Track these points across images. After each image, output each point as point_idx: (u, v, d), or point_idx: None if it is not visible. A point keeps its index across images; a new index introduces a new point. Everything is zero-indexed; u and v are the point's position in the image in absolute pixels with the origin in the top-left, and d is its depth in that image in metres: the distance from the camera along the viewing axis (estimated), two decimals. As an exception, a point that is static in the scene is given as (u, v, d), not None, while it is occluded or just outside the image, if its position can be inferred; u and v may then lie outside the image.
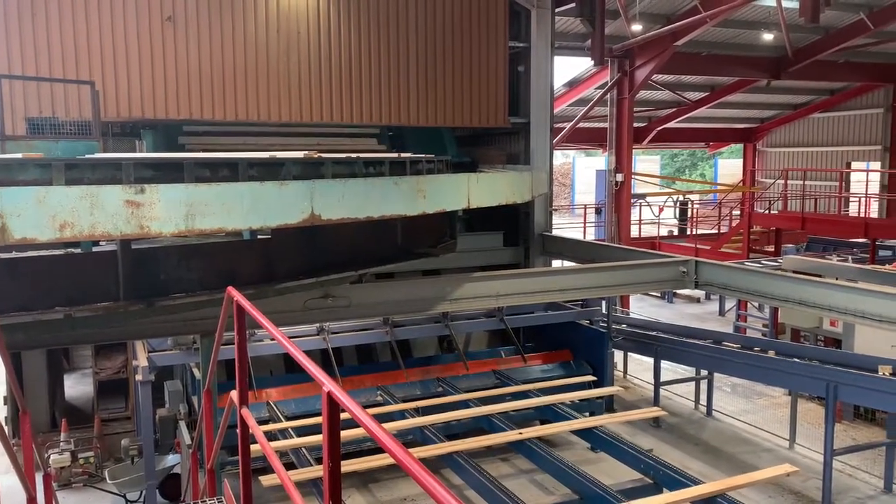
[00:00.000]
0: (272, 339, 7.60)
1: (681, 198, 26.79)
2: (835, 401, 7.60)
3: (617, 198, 17.60)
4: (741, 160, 31.75)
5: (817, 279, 7.51)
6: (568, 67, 21.42)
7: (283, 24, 8.70)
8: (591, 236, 23.12)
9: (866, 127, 24.91)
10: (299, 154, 5.38)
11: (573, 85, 21.51)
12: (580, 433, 7.74)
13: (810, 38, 18.89)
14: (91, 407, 10.18)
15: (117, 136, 8.94)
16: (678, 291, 18.89)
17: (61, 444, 8.44)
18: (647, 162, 41.78)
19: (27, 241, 3.91)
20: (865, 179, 22.66)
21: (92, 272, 5.06)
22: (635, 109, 18.65)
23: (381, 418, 7.41)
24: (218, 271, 5.46)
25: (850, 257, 13.69)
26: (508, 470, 7.97)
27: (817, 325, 11.11)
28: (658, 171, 42.05)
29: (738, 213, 25.90)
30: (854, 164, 25.53)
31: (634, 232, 20.31)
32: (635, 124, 19.92)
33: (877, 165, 24.36)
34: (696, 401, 10.32)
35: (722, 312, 17.69)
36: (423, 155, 6.53)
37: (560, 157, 41.68)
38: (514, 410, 8.12)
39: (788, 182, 22.53)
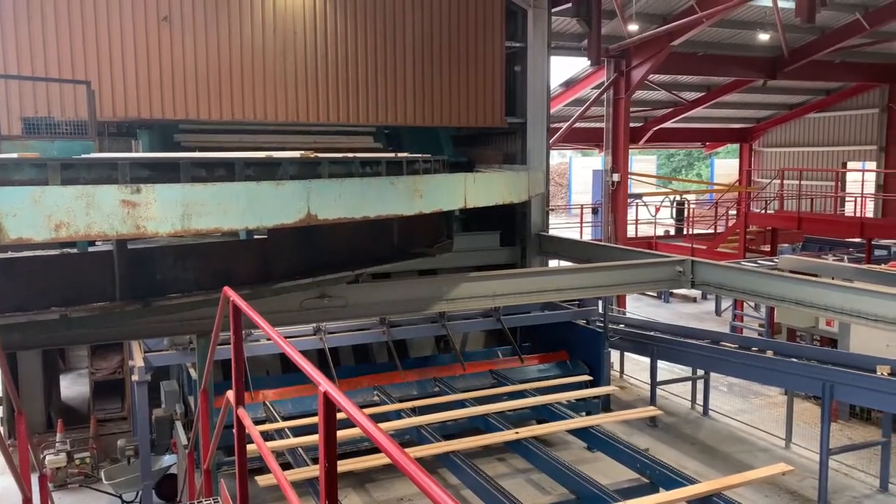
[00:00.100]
0: (268, 340, 7.59)
1: (678, 198, 26.82)
2: (831, 400, 7.61)
3: (613, 198, 17.60)
4: (737, 160, 31.80)
5: (813, 279, 7.52)
6: (564, 67, 21.39)
7: (279, 24, 8.69)
8: (587, 236, 23.12)
9: (862, 127, 24.96)
10: (296, 154, 5.37)
11: (570, 85, 21.52)
12: (577, 433, 7.74)
13: (806, 38, 18.93)
14: (87, 407, 10.16)
15: (113, 136, 8.92)
16: (674, 291, 18.91)
17: (57, 444, 8.40)
18: (643, 162, 41.83)
19: (23, 241, 3.90)
20: (861, 179, 22.70)
21: (88, 272, 5.05)
22: (632, 109, 18.68)
23: (377, 418, 7.41)
24: (214, 271, 5.46)
25: (845, 257, 13.71)
26: (505, 470, 7.97)
27: (813, 324, 11.13)
28: (654, 171, 42.10)
29: (735, 212, 25.94)
30: (850, 164, 25.59)
31: (631, 232, 20.32)
32: (632, 124, 19.96)
33: (872, 165, 24.41)
34: (693, 400, 10.33)
35: (718, 312, 17.72)
36: (420, 155, 6.53)
37: (557, 157, 41.72)
38: (510, 410, 8.13)
39: (784, 182, 22.57)
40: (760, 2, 15.98)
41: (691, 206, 25.31)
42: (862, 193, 21.90)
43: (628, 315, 13.95)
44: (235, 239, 5.53)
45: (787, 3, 15.28)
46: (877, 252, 15.77)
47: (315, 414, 6.75)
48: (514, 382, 8.76)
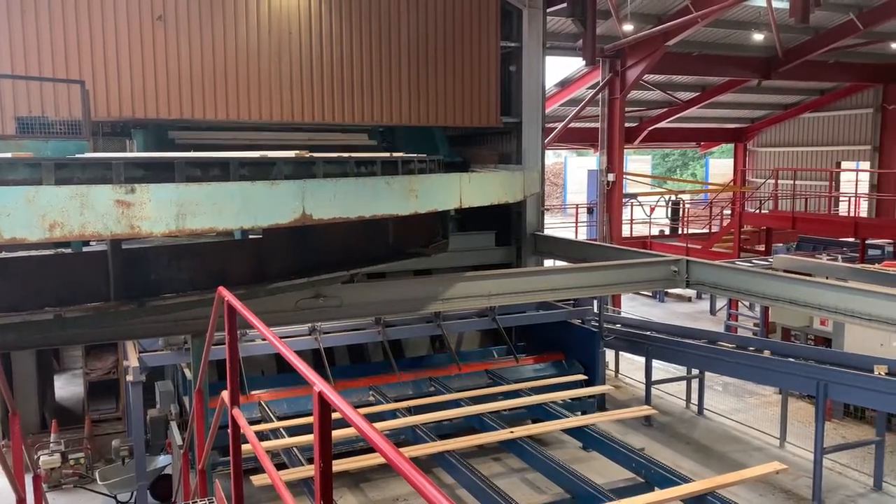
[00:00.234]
0: (264, 340, 7.58)
1: (673, 197, 26.88)
2: (825, 399, 7.64)
3: (608, 197, 17.65)
4: (732, 160, 31.89)
5: (808, 278, 7.55)
6: (560, 67, 21.54)
7: (274, 24, 8.68)
8: (582, 236, 23.15)
9: (856, 127, 25.06)
10: (290, 154, 5.37)
11: (565, 85, 21.55)
12: (572, 432, 7.75)
13: (800, 39, 19.00)
14: (81, 408, 10.13)
15: (107, 135, 8.90)
16: (669, 291, 18.95)
17: (51, 445, 8.39)
18: (638, 162, 41.91)
19: (16, 241, 3.89)
20: (855, 179, 22.79)
21: (82, 272, 5.05)
22: (626, 109, 18.71)
23: (372, 418, 7.41)
24: (209, 271, 5.45)
25: (839, 256, 13.76)
26: (500, 469, 7.97)
27: (808, 324, 11.17)
28: (649, 171, 42.19)
29: (729, 212, 26.00)
30: (844, 164, 25.68)
31: (626, 231, 20.36)
32: (627, 124, 19.97)
33: (866, 165, 24.51)
34: (688, 400, 10.35)
35: (713, 311, 17.76)
36: (415, 154, 6.53)
37: (552, 157, 41.76)
38: (505, 410, 8.13)
39: (779, 182, 22.64)
40: (755, 2, 16.03)
41: (686, 205, 25.36)
42: (856, 193, 21.99)
43: (623, 314, 13.98)
44: (230, 239, 5.52)
45: (781, 3, 15.33)
46: (870, 252, 15.85)
47: (310, 414, 6.75)
48: (510, 382, 8.77)
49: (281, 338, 3.16)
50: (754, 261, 14.04)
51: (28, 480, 6.08)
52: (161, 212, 4.22)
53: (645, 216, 22.78)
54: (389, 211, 5.50)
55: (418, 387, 8.69)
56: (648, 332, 10.24)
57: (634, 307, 17.68)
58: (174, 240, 5.25)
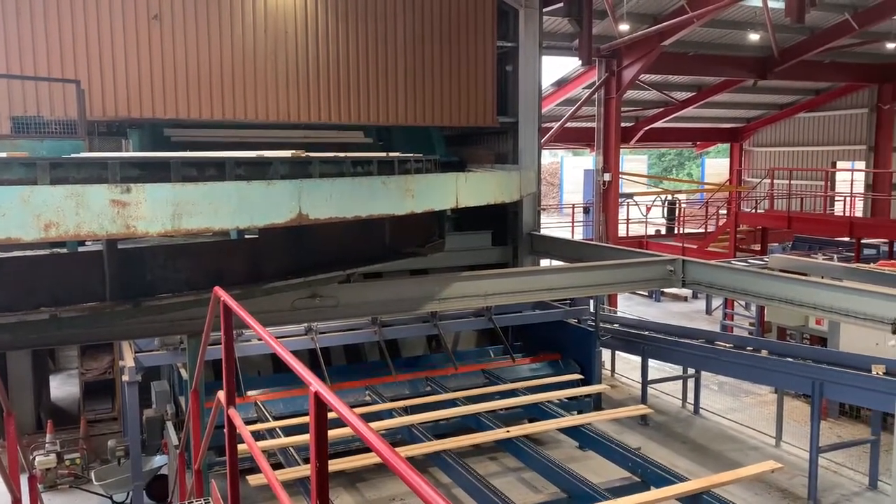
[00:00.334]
0: (260, 340, 7.57)
1: (669, 197, 26.92)
2: (820, 398, 7.66)
3: (605, 197, 17.66)
4: (728, 160, 31.94)
5: (803, 278, 7.56)
6: (556, 67, 21.54)
7: (270, 23, 8.67)
8: (579, 235, 23.18)
9: (851, 127, 25.12)
10: (287, 153, 5.36)
11: (561, 85, 21.57)
12: (568, 431, 7.76)
13: (796, 39, 19.04)
14: (77, 408, 10.11)
15: (103, 135, 8.88)
16: (665, 290, 18.98)
17: (47, 445, 8.37)
18: (634, 161, 41.98)
19: (11, 240, 3.88)
20: (850, 179, 22.85)
21: (78, 272, 5.03)
22: (623, 109, 18.73)
23: (368, 418, 7.41)
24: (205, 271, 5.44)
25: (835, 256, 13.80)
26: (496, 468, 7.98)
27: (803, 323, 11.20)
28: (645, 171, 42.25)
29: (725, 212, 26.06)
30: (839, 164, 25.74)
31: (622, 231, 20.39)
32: (623, 124, 20.02)
33: (861, 165, 24.57)
34: (684, 399, 10.37)
35: (709, 311, 17.79)
36: (412, 154, 6.53)
37: (548, 157, 41.77)
38: (502, 409, 8.14)
39: (774, 181, 22.68)
40: (751, 2, 16.06)
41: (682, 205, 25.40)
42: (851, 193, 22.03)
43: (620, 314, 13.99)
44: (226, 239, 5.52)
45: (776, 3, 15.36)
46: (866, 251, 15.90)
47: (306, 413, 6.74)
48: (506, 381, 8.77)
49: (277, 338, 3.16)
50: (750, 260, 14.07)
51: (24, 481, 6.06)
52: (157, 211, 4.22)
53: (641, 216, 22.83)
54: (386, 211, 5.50)
55: (415, 386, 8.69)
56: (645, 332, 10.25)
57: (630, 307, 17.70)
58: (170, 240, 5.24)
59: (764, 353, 8.70)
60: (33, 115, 7.04)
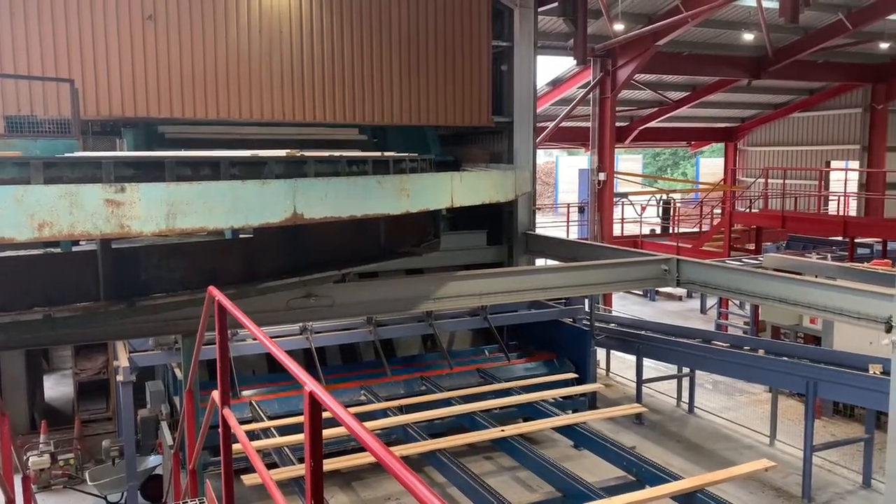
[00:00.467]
0: (254, 339, 7.56)
1: (663, 196, 26.96)
2: (814, 397, 7.69)
3: (599, 197, 17.68)
4: (722, 159, 32.01)
5: (797, 277, 7.59)
6: (551, 67, 21.47)
7: (265, 23, 8.66)
8: (574, 235, 23.19)
9: (845, 126, 25.20)
10: (282, 153, 5.36)
11: (556, 84, 21.58)
12: (563, 431, 7.77)
13: (790, 38, 19.09)
14: (71, 408, 10.08)
15: (97, 134, 8.86)
16: (660, 289, 19.02)
17: (41, 445, 8.34)
18: (629, 161, 42.02)
19: (5, 240, 3.88)
20: (844, 178, 22.92)
21: (72, 272, 5.02)
22: (617, 109, 18.76)
23: (363, 417, 7.41)
24: (199, 271, 5.44)
25: (829, 255, 13.85)
26: (491, 468, 7.98)
27: (797, 322, 11.22)
28: (640, 170, 42.31)
29: (720, 211, 26.10)
30: (833, 163, 25.83)
31: (617, 230, 20.42)
32: (617, 123, 20.03)
33: (855, 164, 24.65)
34: (678, 398, 10.39)
35: (703, 310, 17.83)
36: (407, 154, 6.53)
37: (543, 156, 41.83)
38: (497, 408, 8.14)
39: (769, 181, 22.74)
40: (745, 2, 16.10)
41: (677, 204, 25.44)
42: (845, 192, 22.13)
43: (614, 313, 14.01)
44: (221, 238, 5.51)
45: (771, 3, 15.40)
46: (859, 250, 15.95)
47: (301, 413, 6.74)
48: (501, 381, 8.78)
49: (272, 337, 3.16)
50: (744, 260, 14.09)
51: (17, 481, 6.04)
52: (151, 211, 4.21)
53: (636, 215, 22.86)
54: (381, 210, 5.51)
55: (410, 386, 8.69)
56: (643, 332, 10.26)
57: (625, 306, 17.73)
58: (164, 239, 5.24)
59: (761, 352, 8.71)
60: (27, 115, 7.02)
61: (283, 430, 7.20)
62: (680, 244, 19.21)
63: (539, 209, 17.83)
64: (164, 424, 7.30)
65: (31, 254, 4.93)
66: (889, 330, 5.75)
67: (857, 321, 6.40)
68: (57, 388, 11.30)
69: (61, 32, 7.68)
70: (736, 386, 11.33)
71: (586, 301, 9.86)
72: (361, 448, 3.42)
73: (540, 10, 11.61)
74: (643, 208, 23.68)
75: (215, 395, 3.83)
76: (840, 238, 16.67)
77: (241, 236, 5.57)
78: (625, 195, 24.52)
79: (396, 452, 5.08)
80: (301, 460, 6.61)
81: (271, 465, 6.72)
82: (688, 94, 23.88)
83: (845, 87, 23.95)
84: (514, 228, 10.96)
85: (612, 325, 11.03)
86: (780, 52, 19.10)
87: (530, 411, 8.20)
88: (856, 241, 16.00)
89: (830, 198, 24.56)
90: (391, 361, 9.03)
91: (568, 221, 23.75)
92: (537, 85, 11.59)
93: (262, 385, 8.28)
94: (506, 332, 10.10)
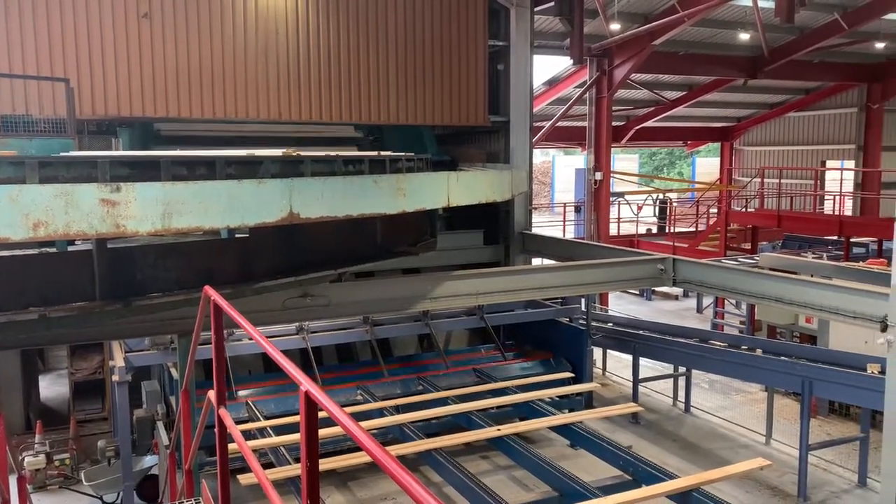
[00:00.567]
0: (251, 339, 7.56)
1: (660, 196, 27.00)
2: (810, 396, 7.70)
3: (596, 196, 17.70)
4: (718, 158, 32.07)
5: (793, 276, 7.60)
6: (547, 66, 21.60)
7: (261, 22, 8.65)
8: (570, 234, 23.21)
9: (840, 126, 25.27)
10: (278, 152, 5.35)
11: (552, 84, 21.59)
12: (559, 430, 7.77)
13: (786, 38, 19.13)
14: (67, 408, 10.06)
15: (93, 133, 8.84)
16: (656, 289, 19.04)
17: (36, 445, 8.32)
18: (625, 160, 42.06)
19: (0, 240, 3.86)
20: (840, 178, 22.96)
21: (67, 272, 5.01)
22: (614, 108, 18.77)
23: (360, 417, 7.40)
24: (195, 270, 5.42)
25: (824, 255, 13.88)
26: (487, 467, 7.98)
27: (793, 321, 11.25)
28: (636, 170, 42.36)
29: (716, 211, 26.15)
30: (829, 163, 25.88)
31: (613, 230, 20.43)
32: (614, 123, 20.04)
33: (851, 164, 24.71)
34: (675, 397, 10.40)
35: (700, 309, 17.86)
36: (403, 153, 6.52)
37: (540, 156, 41.84)
38: (493, 408, 8.14)
39: (765, 180, 22.78)
40: (741, 1, 16.12)
41: (673, 204, 25.48)
42: (840, 192, 22.17)
43: (611, 313, 14.03)
44: (217, 238, 5.50)
45: (767, 2, 15.41)
46: (855, 250, 16.00)
47: (297, 413, 6.73)
48: (497, 380, 8.77)
49: (268, 337, 3.16)
50: (740, 259, 14.13)
51: (13, 482, 6.03)
52: (147, 211, 4.20)
53: (632, 215, 22.88)
54: (377, 210, 5.50)
55: (406, 386, 8.68)
56: (641, 331, 10.27)
57: (621, 305, 17.75)
58: (160, 239, 5.22)
59: (759, 351, 8.73)
60: (22, 114, 7.00)
61: (280, 430, 7.20)
62: (676, 244, 19.25)
63: (535, 209, 17.84)
64: (160, 424, 7.29)
65: (26, 253, 4.91)
66: (884, 329, 5.75)
67: (852, 320, 6.41)
68: (52, 387, 11.27)
69: (56, 31, 7.66)
70: (732, 385, 11.35)
71: (583, 300, 9.86)
72: (357, 448, 3.42)
73: (536, 9, 11.61)
74: (639, 208, 23.71)
75: (211, 394, 3.82)
76: (836, 237, 16.71)
77: (237, 236, 5.56)
78: (621, 195, 24.55)
79: (392, 452, 5.08)
80: (297, 460, 6.61)
81: (267, 465, 6.71)
82: (684, 93, 23.92)
83: (841, 86, 24.01)
84: (511, 228, 10.97)
85: (609, 325, 11.04)
86: (776, 51, 19.14)
87: (527, 411, 8.20)
88: (851, 240, 16.05)
89: (826, 197, 24.63)
90: (388, 361, 9.03)
91: (564, 221, 23.76)
92: (534, 84, 11.60)
93: (259, 385, 8.27)
94: (502, 331, 10.11)
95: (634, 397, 9.95)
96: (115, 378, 7.18)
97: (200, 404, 4.44)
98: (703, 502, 5.77)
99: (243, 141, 9.10)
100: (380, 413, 7.82)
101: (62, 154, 5.42)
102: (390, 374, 8.76)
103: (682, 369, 10.20)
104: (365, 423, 7.20)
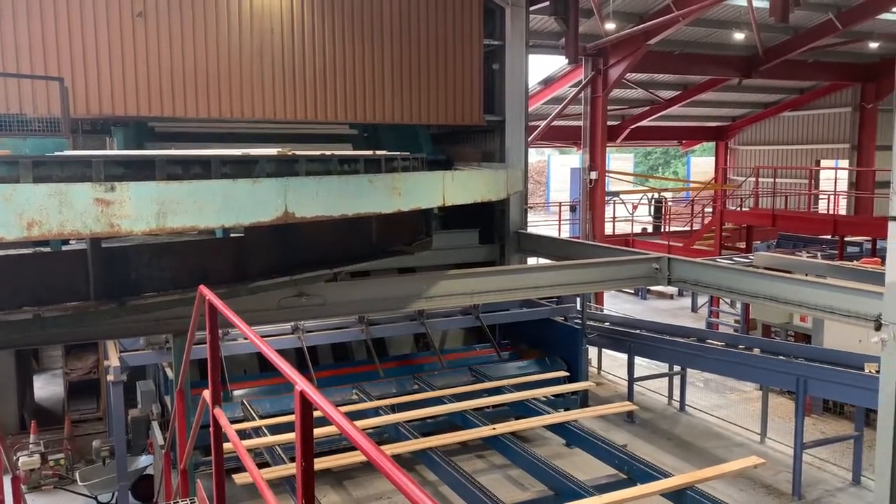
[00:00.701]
0: (246, 339, 7.54)
1: (655, 195, 27.04)
2: (804, 395, 7.73)
3: (591, 195, 17.70)
4: (713, 158, 32.12)
5: (787, 275, 7.62)
6: (542, 66, 21.57)
7: (256, 21, 8.64)
8: (565, 234, 23.25)
9: (835, 125, 25.33)
10: (273, 151, 5.35)
11: (548, 83, 21.60)
12: (554, 429, 7.78)
13: (780, 38, 19.16)
14: (61, 408, 10.04)
15: (87, 133, 8.81)
16: (651, 288, 19.06)
17: (31, 445, 8.30)
18: (620, 160, 42.07)
19: (-7, 239, 3.85)
20: (834, 177, 23.03)
21: (61, 271, 4.99)
22: (609, 108, 18.78)
23: (355, 416, 7.40)
24: (190, 270, 5.41)
25: (819, 254, 13.93)
26: (483, 466, 8.00)
27: (787, 320, 11.27)
28: (632, 169, 42.39)
29: (711, 210, 26.20)
30: (823, 162, 25.95)
31: (608, 229, 20.45)
32: (609, 122, 20.09)
33: (845, 163, 24.79)
34: (670, 396, 10.43)
35: (695, 308, 17.89)
36: (399, 153, 6.52)
37: (535, 155, 41.85)
38: (488, 407, 8.15)
39: (759, 179, 22.84)
40: (735, 1, 16.15)
41: (668, 203, 25.52)
42: (835, 191, 22.24)
43: (606, 312, 14.04)
44: (212, 237, 5.49)
45: (761, 2, 15.45)
46: (849, 249, 16.05)
47: (293, 412, 6.73)
48: (493, 379, 8.78)
49: (263, 337, 3.15)
50: (735, 258, 14.16)
51: (7, 482, 6.02)
52: (141, 210, 4.19)
53: (627, 214, 22.91)
54: (373, 209, 5.50)
55: (402, 385, 8.68)
56: (638, 330, 10.29)
57: (617, 304, 17.78)
58: (155, 238, 5.21)
59: (756, 351, 8.75)
60: (16, 114, 6.97)
61: (275, 430, 7.19)
62: (671, 243, 19.28)
63: (531, 208, 17.87)
64: (155, 424, 7.28)
65: (20, 253, 4.90)
66: (878, 328, 5.77)
67: (847, 319, 6.43)
68: (47, 387, 11.24)
69: (50, 30, 7.63)
70: (727, 384, 11.38)
71: (578, 299, 9.87)
72: (353, 447, 3.42)
73: (531, 8, 11.61)
74: (635, 207, 23.75)
75: (206, 394, 3.82)
76: (830, 236, 16.76)
77: (231, 235, 5.55)
78: (616, 194, 24.58)
79: (388, 451, 5.08)
80: (292, 459, 6.60)
81: (263, 465, 6.71)
82: (679, 93, 23.95)
83: (835, 86, 24.07)
84: (506, 227, 10.97)
85: (605, 324, 11.06)
86: (771, 51, 19.17)
87: (522, 409, 8.21)
88: (845, 239, 16.10)
89: (820, 196, 24.68)
90: (383, 360, 9.03)
91: (560, 220, 23.78)
92: (529, 84, 11.61)
93: (254, 384, 8.26)
94: (498, 330, 10.12)
95: (630, 396, 9.97)
96: (110, 378, 7.17)
97: (195, 404, 4.44)
98: (697, 501, 5.77)
99: (237, 137, 9.10)
100: (375, 412, 7.82)
101: (56, 153, 5.40)
102: (386, 374, 8.76)
103: (677, 368, 10.23)
104: (360, 423, 7.21)
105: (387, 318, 9.02)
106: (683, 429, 9.46)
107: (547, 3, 13.58)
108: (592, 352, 11.13)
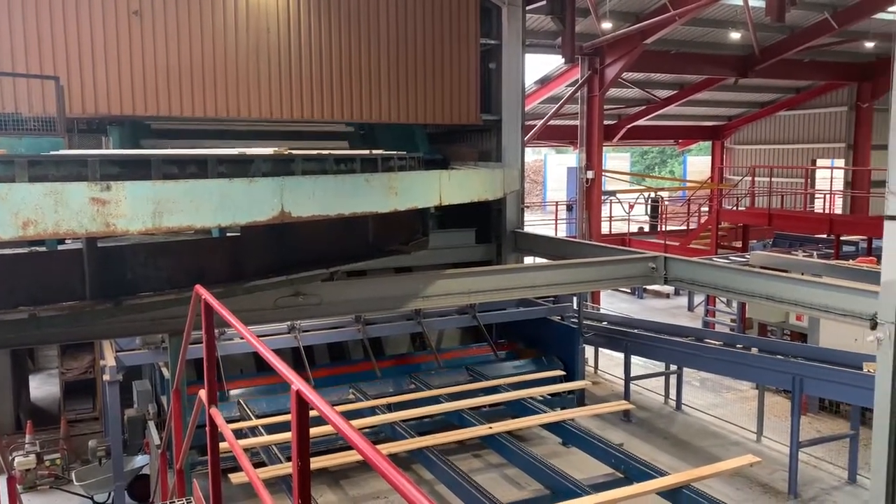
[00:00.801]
0: (242, 338, 7.54)
1: (652, 194, 27.06)
2: (800, 394, 7.74)
3: (588, 195, 17.72)
4: (709, 157, 32.16)
5: (783, 275, 7.64)
6: (539, 65, 21.51)
7: (252, 20, 8.63)
8: (562, 233, 23.25)
9: (830, 125, 25.39)
10: (269, 151, 5.34)
11: (544, 82, 21.60)
12: (551, 428, 7.78)
13: (776, 37, 19.20)
14: (57, 408, 10.02)
15: (83, 132, 8.80)
16: (648, 287, 19.09)
17: (26, 445, 8.28)
18: (617, 159, 42.15)
19: (-11, 239, 3.84)
20: (830, 176, 23.08)
21: (57, 271, 4.98)
22: (605, 107, 18.82)
23: (351, 416, 7.40)
24: (186, 269, 5.41)
25: (815, 253, 13.96)
26: (479, 465, 7.99)
27: (784, 319, 11.30)
28: (628, 169, 42.46)
29: (707, 209, 26.24)
30: (819, 162, 26.01)
31: (605, 228, 20.48)
32: (605, 122, 20.08)
33: (841, 163, 24.85)
34: (666, 395, 10.44)
35: (691, 308, 17.92)
36: (395, 152, 6.52)
37: (532, 155, 41.88)
38: (485, 406, 8.15)
39: (755, 179, 22.88)
40: (732, 1, 16.18)
41: (665, 202, 25.54)
42: (831, 190, 22.29)
43: (602, 311, 14.06)
44: (208, 237, 5.48)
45: (757, 1, 15.48)
46: (845, 248, 16.09)
47: (289, 412, 6.72)
48: (489, 378, 8.78)
49: (259, 336, 3.15)
50: (731, 257, 14.18)
51: (2, 482, 6.01)
52: (137, 209, 4.18)
53: (624, 213, 22.93)
54: (369, 208, 5.49)
55: (398, 384, 8.68)
56: (635, 329, 10.29)
57: (613, 304, 17.80)
58: (151, 238, 5.20)
59: (754, 350, 8.76)
60: (11, 113, 6.96)
61: (271, 429, 7.18)
62: (667, 242, 19.31)
63: (527, 207, 17.86)
64: (151, 424, 7.27)
65: (15, 252, 4.89)
66: (874, 326, 5.79)
67: (842, 318, 6.45)
68: (43, 387, 11.22)
69: (46, 28, 7.61)
70: (723, 383, 11.40)
71: (574, 299, 9.88)
72: (349, 446, 3.42)
73: (528, 8, 11.63)
74: (631, 206, 23.76)
75: (202, 394, 3.81)
76: (826, 236, 16.80)
77: (228, 235, 5.54)
78: (613, 193, 24.59)
79: (384, 450, 5.08)
80: (289, 459, 6.59)
81: (259, 464, 6.70)
82: (675, 92, 23.98)
83: (831, 85, 24.13)
84: (503, 226, 10.97)
85: (602, 324, 11.06)
86: (767, 50, 19.21)
87: (518, 409, 8.21)
88: (841, 238, 16.14)
89: (816, 196, 24.75)
90: (380, 360, 9.02)
91: (556, 219, 23.80)
92: (525, 83, 11.61)
93: (250, 384, 8.25)
94: (494, 329, 10.11)
95: (626, 395, 9.98)
96: (106, 377, 7.15)
97: (192, 404, 4.44)
98: (693, 499, 5.79)
99: (234, 134, 9.09)
100: (372, 412, 7.82)
101: (52, 152, 5.39)
102: (382, 373, 8.75)
103: (673, 367, 10.24)
104: (356, 422, 7.20)
105: (383, 317, 9.01)
106: (680, 428, 9.47)
107: (543, 3, 13.58)
108: (589, 351, 11.14)
